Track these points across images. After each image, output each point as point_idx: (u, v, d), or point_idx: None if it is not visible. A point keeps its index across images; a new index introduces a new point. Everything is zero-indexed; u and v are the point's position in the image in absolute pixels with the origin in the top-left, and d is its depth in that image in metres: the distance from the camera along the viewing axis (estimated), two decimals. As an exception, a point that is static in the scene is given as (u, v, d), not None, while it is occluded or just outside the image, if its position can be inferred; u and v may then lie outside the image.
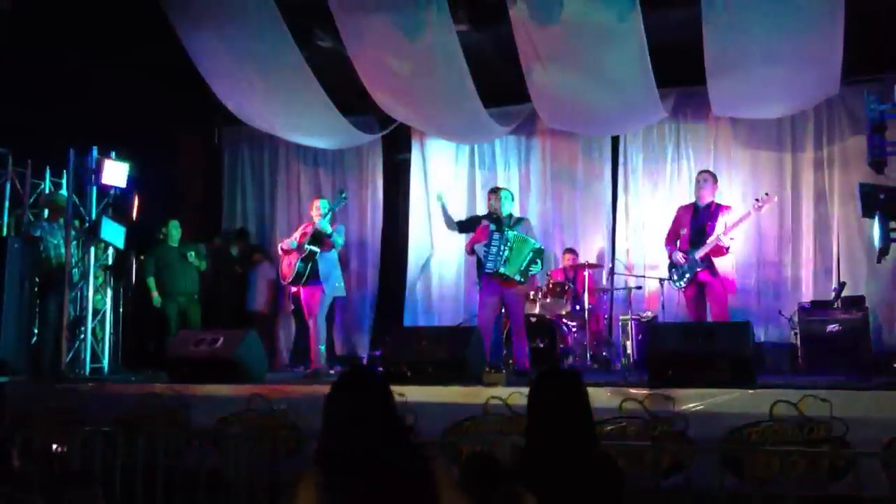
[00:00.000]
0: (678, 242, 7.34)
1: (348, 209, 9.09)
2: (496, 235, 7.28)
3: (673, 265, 7.33)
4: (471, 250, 7.72)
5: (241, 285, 9.93)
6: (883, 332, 8.26)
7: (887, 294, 8.33)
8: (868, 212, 6.64)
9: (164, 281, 8.74)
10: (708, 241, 7.01)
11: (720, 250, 7.03)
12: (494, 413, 5.45)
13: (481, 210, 9.83)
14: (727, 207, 7.40)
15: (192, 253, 8.82)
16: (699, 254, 7.04)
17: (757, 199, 7.39)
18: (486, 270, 7.27)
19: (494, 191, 7.89)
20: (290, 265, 7.72)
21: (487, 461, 3.02)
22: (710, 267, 7.05)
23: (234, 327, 8.01)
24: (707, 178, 7.42)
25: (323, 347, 7.82)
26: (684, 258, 7.18)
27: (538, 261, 7.32)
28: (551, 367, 3.15)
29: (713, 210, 7.24)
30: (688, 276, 7.14)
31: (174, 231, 8.95)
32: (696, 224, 7.26)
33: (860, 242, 8.41)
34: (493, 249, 7.24)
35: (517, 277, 7.17)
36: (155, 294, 8.68)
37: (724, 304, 7.10)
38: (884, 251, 6.35)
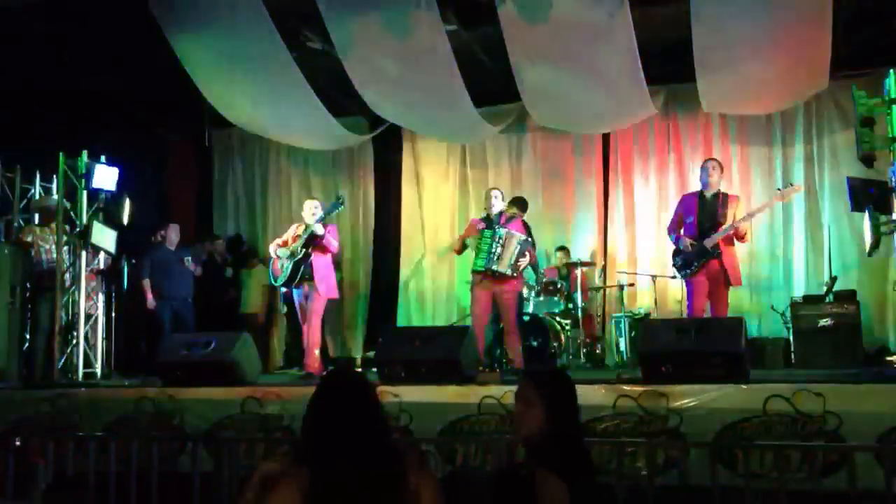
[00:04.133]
0: (683, 230, 7.09)
1: (340, 210, 9.08)
2: (487, 233, 7.27)
3: (678, 253, 7.05)
4: (459, 249, 7.71)
5: (234, 288, 9.91)
6: (874, 325, 8.29)
7: (879, 287, 8.36)
8: (858, 206, 6.67)
9: (160, 284, 8.75)
10: (722, 228, 6.77)
11: (740, 237, 6.87)
12: (489, 413, 5.45)
13: (473, 209, 9.86)
14: (735, 197, 7.16)
15: (190, 258, 8.85)
16: (710, 242, 6.80)
17: (779, 189, 7.23)
18: (478, 268, 7.26)
19: (486, 192, 7.90)
20: (282, 267, 7.70)
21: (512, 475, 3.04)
22: (721, 256, 6.82)
23: (227, 330, 7.99)
24: (715, 165, 7.12)
25: (317, 349, 7.80)
26: (692, 245, 6.91)
27: (526, 253, 7.24)
28: (538, 368, 3.20)
29: (721, 199, 6.98)
30: (696, 264, 6.88)
31: (173, 235, 8.97)
32: (704, 212, 6.96)
33: (851, 236, 8.45)
34: (485, 247, 7.22)
35: (508, 272, 7.15)
36: (150, 296, 8.69)
37: (726, 297, 6.93)
38: (874, 245, 6.37)
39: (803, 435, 4.79)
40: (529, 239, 7.37)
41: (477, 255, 7.30)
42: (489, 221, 7.46)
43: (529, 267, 7.69)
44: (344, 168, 10.65)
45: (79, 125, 8.46)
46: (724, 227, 6.82)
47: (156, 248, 9.00)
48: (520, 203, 8.40)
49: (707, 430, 4.96)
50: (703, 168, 7.19)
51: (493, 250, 7.18)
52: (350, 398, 2.60)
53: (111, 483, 5.14)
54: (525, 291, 8.37)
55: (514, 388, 5.56)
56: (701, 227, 6.94)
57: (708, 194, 7.04)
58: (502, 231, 7.23)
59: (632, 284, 8.96)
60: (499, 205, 7.55)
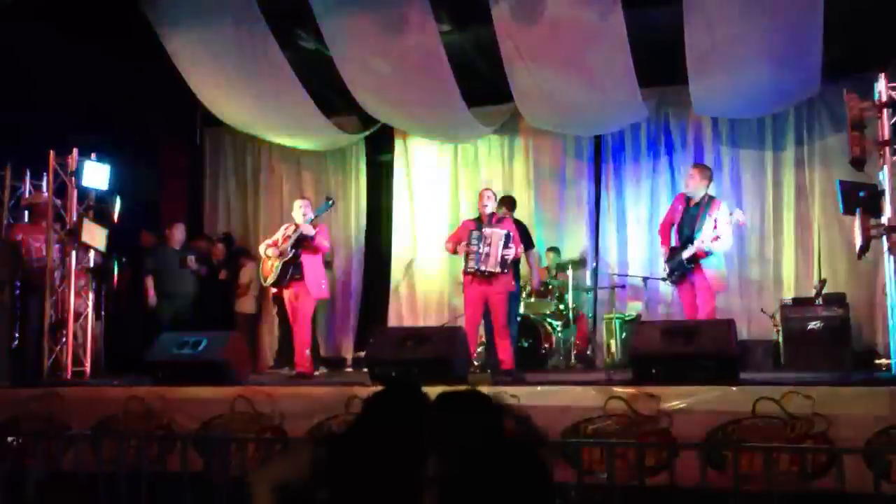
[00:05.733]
0: (672, 236, 7.16)
1: (331, 210, 9.10)
2: (475, 234, 7.27)
3: (666, 260, 7.19)
4: (452, 249, 7.70)
5: (224, 287, 9.89)
6: (864, 328, 8.32)
7: (868, 291, 8.39)
8: (848, 209, 6.68)
9: (162, 282, 8.79)
10: (693, 244, 6.85)
11: (701, 253, 6.88)
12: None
13: (465, 209, 9.86)
14: (718, 202, 7.11)
15: (193, 257, 8.88)
16: (686, 254, 6.89)
17: (731, 213, 7.04)
18: (468, 270, 7.26)
19: (479, 193, 7.90)
20: (271, 267, 7.68)
21: None
22: (698, 267, 6.90)
23: (218, 329, 7.97)
24: (692, 172, 7.19)
25: (308, 349, 7.79)
26: (670, 256, 7.08)
27: (510, 245, 7.19)
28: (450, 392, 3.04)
29: (704, 205, 7.01)
30: (676, 273, 7.03)
31: (178, 234, 8.99)
32: (685, 220, 7.06)
33: (841, 240, 8.48)
34: (474, 248, 7.22)
35: (497, 269, 7.15)
36: (151, 294, 8.70)
37: (710, 303, 6.95)
38: (864, 248, 6.40)
39: (792, 437, 4.81)
40: (511, 233, 7.32)
41: (466, 257, 7.30)
42: (480, 222, 7.45)
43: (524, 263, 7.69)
44: (336, 168, 10.62)
45: (69, 123, 8.42)
46: (695, 242, 6.83)
47: (160, 246, 9.04)
48: (508, 202, 8.40)
49: (697, 432, 4.98)
50: (686, 174, 7.29)
51: (481, 251, 7.18)
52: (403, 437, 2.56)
53: (101, 482, 5.12)
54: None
55: (504, 389, 5.60)
56: (681, 236, 7.05)
57: (692, 201, 7.09)
58: (488, 231, 7.23)
59: (623, 286, 8.98)
60: (491, 205, 7.54)
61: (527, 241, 8.05)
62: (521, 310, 8.53)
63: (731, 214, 6.96)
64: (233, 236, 10.65)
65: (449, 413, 2.73)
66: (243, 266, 10.00)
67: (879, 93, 6.37)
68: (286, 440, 5.65)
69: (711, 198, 7.12)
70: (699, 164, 7.53)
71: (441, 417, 2.70)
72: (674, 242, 7.15)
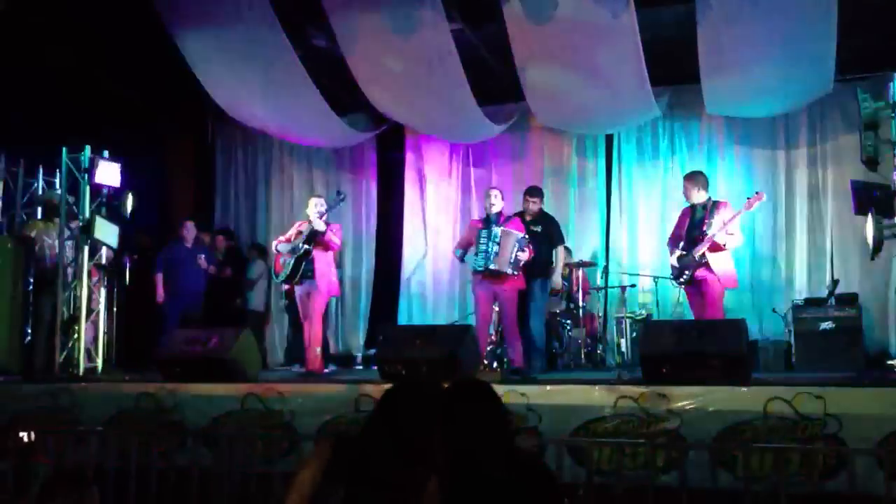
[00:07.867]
0: (681, 242, 7.21)
1: (342, 208, 9.11)
2: (484, 233, 7.28)
3: (677, 260, 7.23)
4: (462, 256, 7.70)
5: (234, 283, 9.92)
6: (876, 329, 8.28)
7: (880, 291, 8.35)
8: (861, 209, 6.66)
9: (172, 280, 8.83)
10: (704, 240, 6.93)
11: (717, 247, 6.96)
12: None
13: (475, 208, 9.86)
14: (724, 203, 7.23)
15: (203, 255, 8.92)
16: (697, 252, 6.94)
17: (748, 198, 7.30)
18: (477, 268, 7.26)
19: (486, 192, 7.89)
20: (283, 263, 7.70)
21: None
22: (707, 265, 6.95)
23: (228, 325, 8.00)
24: (685, 185, 7.31)
25: (318, 347, 7.80)
26: (683, 256, 7.11)
27: (524, 249, 7.20)
28: (462, 380, 2.99)
29: (710, 207, 7.12)
30: (687, 273, 7.02)
31: (189, 232, 9.07)
32: (692, 223, 7.17)
33: (853, 239, 8.43)
34: (482, 247, 7.23)
35: (508, 270, 7.14)
36: (160, 291, 8.76)
37: (718, 302, 6.99)
38: (877, 248, 6.37)
39: (803, 438, 4.79)
40: (526, 236, 7.29)
41: (476, 255, 7.31)
42: (488, 221, 7.46)
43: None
44: (346, 165, 10.64)
45: (82, 120, 8.46)
46: (705, 238, 6.92)
47: (172, 244, 9.09)
48: (536, 193, 8.15)
49: (707, 432, 4.96)
50: None
51: (490, 249, 7.18)
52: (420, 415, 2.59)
53: (110, 478, 5.14)
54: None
55: (514, 387, 5.60)
56: (690, 238, 7.08)
57: (697, 206, 7.18)
58: (497, 230, 7.23)
59: (633, 285, 8.95)
60: (498, 204, 7.54)
61: (557, 236, 7.91)
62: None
63: (748, 199, 7.08)
64: (233, 232, 10.66)
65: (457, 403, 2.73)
66: (254, 261, 10.02)
67: (893, 92, 6.33)
68: (295, 438, 5.66)
69: (716, 202, 7.21)
70: (689, 174, 7.52)
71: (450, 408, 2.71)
72: (683, 246, 7.15)
